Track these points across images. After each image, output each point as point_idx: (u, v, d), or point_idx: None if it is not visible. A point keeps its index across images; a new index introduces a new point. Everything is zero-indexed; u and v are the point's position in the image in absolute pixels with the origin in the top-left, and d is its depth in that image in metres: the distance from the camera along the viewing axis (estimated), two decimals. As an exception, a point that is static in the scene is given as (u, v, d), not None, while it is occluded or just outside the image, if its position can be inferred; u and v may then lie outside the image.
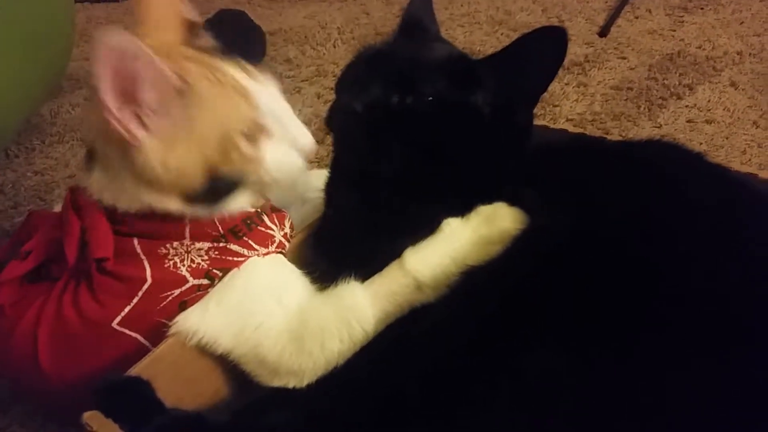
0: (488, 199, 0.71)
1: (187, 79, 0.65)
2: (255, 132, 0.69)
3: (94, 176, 0.70)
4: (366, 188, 0.77)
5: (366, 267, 0.71)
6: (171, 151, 0.66)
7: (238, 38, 1.69)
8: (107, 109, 0.61)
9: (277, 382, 0.70)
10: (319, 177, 0.88)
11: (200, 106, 0.66)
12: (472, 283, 0.66)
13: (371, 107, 0.74)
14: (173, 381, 0.68)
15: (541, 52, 0.73)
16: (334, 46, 1.83)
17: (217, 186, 0.69)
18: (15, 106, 1.27)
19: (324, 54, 1.79)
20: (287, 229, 0.80)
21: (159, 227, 0.71)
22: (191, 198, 0.68)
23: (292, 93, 1.58)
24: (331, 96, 1.43)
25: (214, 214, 0.71)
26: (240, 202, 0.73)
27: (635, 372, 0.53)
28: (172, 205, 0.68)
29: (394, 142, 0.74)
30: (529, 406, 0.54)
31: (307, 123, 0.75)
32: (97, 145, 0.70)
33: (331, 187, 0.84)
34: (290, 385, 0.70)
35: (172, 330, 0.70)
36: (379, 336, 0.69)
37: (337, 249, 0.78)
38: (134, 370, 0.66)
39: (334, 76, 1.64)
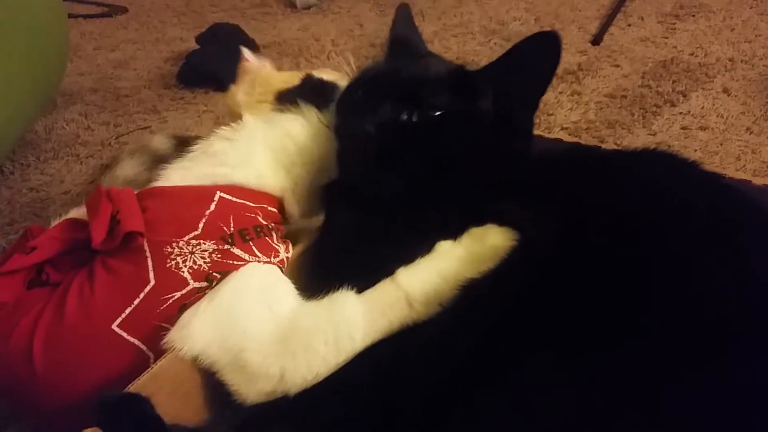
0: (482, 215, 0.71)
1: None
2: None
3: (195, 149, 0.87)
4: (364, 207, 0.77)
5: (362, 285, 0.71)
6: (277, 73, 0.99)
7: (233, 52, 1.69)
8: (248, 59, 1.00)
9: (254, 391, 0.67)
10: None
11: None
12: (468, 296, 0.66)
13: (383, 127, 0.75)
14: (172, 397, 0.68)
15: (536, 58, 0.74)
16: (329, 59, 1.83)
17: (308, 85, 0.92)
18: (9, 123, 1.27)
19: (318, 66, 1.79)
20: (291, 253, 0.82)
21: (186, 208, 0.77)
22: (284, 96, 0.90)
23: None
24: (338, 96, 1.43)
25: (286, 130, 0.88)
26: (304, 133, 0.88)
27: (633, 377, 0.53)
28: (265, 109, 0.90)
29: (406, 159, 0.75)
30: (529, 414, 0.54)
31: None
32: (228, 107, 0.96)
33: (330, 201, 0.84)
34: (266, 391, 0.67)
35: (169, 336, 0.69)
36: (376, 348, 0.68)
37: (334, 266, 0.78)
38: (134, 387, 0.66)
39: (328, 88, 1.65)
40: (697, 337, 0.54)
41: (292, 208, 0.88)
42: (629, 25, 1.83)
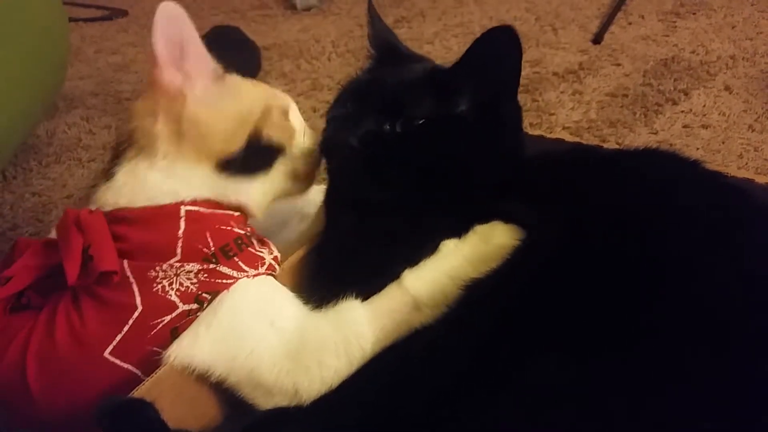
0: (485, 214, 0.71)
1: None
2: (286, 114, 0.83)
3: (120, 174, 0.77)
4: (364, 212, 0.77)
5: (366, 288, 0.71)
6: (215, 111, 0.76)
7: (233, 54, 1.69)
8: (159, 64, 0.73)
9: (271, 403, 0.69)
10: (318, 192, 0.88)
11: (238, 89, 0.80)
12: (473, 296, 0.66)
13: (366, 139, 0.76)
14: (176, 402, 0.68)
15: (499, 51, 0.74)
16: (329, 60, 1.83)
17: (254, 153, 0.78)
18: (11, 127, 1.27)
19: (319, 68, 1.79)
20: (276, 253, 0.80)
21: (157, 233, 0.72)
22: (226, 164, 0.76)
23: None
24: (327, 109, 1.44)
25: (238, 193, 0.78)
26: (261, 192, 0.80)
27: (634, 377, 0.53)
28: (204, 172, 0.75)
29: (393, 169, 0.75)
30: (533, 415, 0.54)
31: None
32: (138, 122, 0.78)
33: (329, 207, 0.84)
34: (283, 404, 0.68)
35: (165, 361, 0.69)
36: (384, 350, 0.69)
37: (337, 271, 0.78)
38: (137, 392, 0.65)
39: (329, 90, 1.64)
40: (698, 337, 0.54)
41: (256, 212, 0.83)
42: (630, 24, 1.83)
